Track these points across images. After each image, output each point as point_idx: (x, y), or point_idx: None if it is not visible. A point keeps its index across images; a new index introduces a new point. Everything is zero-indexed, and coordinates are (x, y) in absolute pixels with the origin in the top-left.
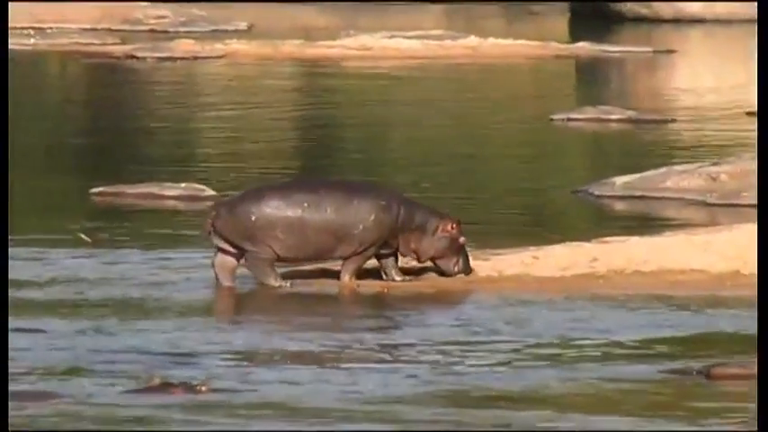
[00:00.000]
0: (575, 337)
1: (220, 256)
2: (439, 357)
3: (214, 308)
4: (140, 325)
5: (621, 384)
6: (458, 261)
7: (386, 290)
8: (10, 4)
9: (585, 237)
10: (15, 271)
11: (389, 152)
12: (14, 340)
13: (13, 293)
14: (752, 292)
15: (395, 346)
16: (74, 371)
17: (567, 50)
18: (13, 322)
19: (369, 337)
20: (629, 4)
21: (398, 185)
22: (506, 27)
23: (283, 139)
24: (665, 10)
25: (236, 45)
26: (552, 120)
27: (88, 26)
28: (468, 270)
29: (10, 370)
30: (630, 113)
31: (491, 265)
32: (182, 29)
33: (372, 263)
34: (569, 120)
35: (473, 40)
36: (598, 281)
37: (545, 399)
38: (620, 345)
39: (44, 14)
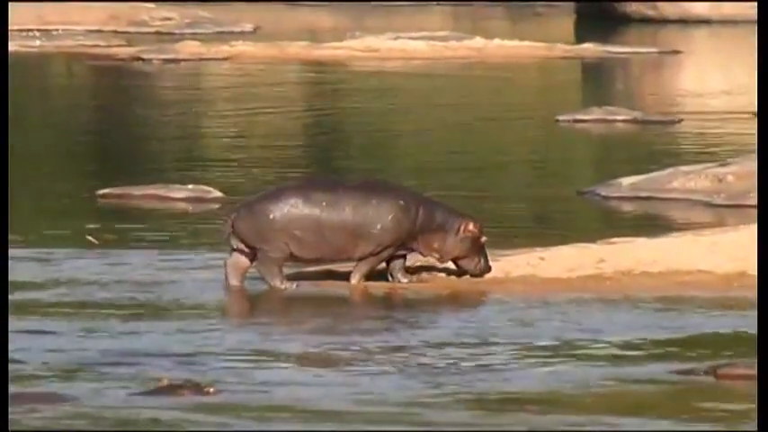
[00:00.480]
0: (581, 338)
1: (235, 256)
2: (449, 359)
3: (222, 309)
4: (147, 326)
5: (629, 385)
6: (479, 261)
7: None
8: (16, 5)
9: (592, 238)
10: (22, 272)
11: (395, 153)
12: (21, 342)
13: (19, 295)
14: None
15: (404, 348)
16: (81, 372)
17: (572, 51)
18: (19, 324)
19: (377, 338)
20: (634, 5)
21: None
22: (512, 28)
23: (289, 140)
24: (671, 11)
25: (241, 47)
26: (558, 121)
27: (94, 28)
28: (488, 270)
29: (17, 372)
30: (636, 114)
31: (498, 266)
32: (187, 31)
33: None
34: (575, 121)
35: (479, 41)
36: (605, 282)
37: (558, 400)
38: (627, 346)
39: (50, 16)
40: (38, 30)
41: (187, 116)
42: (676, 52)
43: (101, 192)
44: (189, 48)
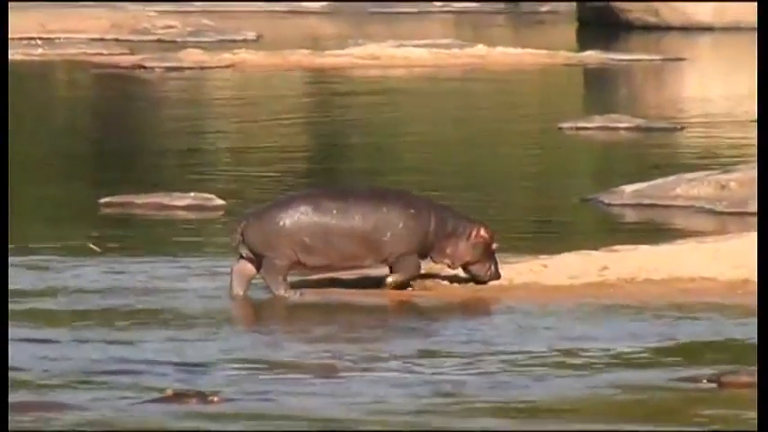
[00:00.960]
0: (585, 345)
1: (242, 263)
2: (455, 367)
3: (226, 317)
4: (151, 335)
5: (632, 392)
6: (490, 267)
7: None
8: (18, 13)
9: (595, 245)
10: (24, 281)
11: (397, 161)
12: (24, 350)
13: (22, 303)
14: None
15: (409, 356)
16: (84, 381)
17: (575, 59)
18: (22, 332)
19: (382, 346)
20: (637, 12)
21: None
22: (514, 35)
23: (292, 148)
24: (674, 18)
25: (244, 55)
26: (561, 128)
27: (96, 36)
28: (498, 276)
29: (20, 380)
30: (639, 122)
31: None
32: (190, 39)
33: (380, 271)
34: (578, 128)
35: (481, 48)
36: (608, 289)
37: (562, 408)
38: (630, 353)
39: (52, 24)
40: (40, 38)
41: (189, 124)
42: (679, 59)
43: (103, 200)
44: (191, 56)
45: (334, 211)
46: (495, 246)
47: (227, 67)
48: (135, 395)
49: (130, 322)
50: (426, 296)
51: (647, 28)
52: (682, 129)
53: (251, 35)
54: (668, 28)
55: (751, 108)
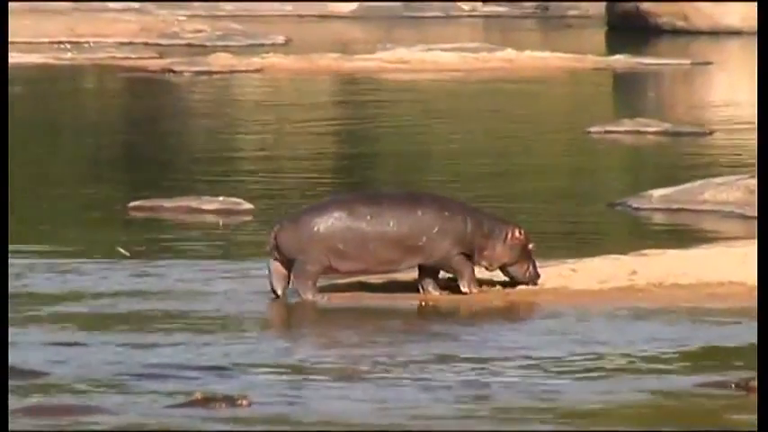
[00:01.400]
0: (613, 350)
1: (276, 265)
2: (485, 372)
3: (255, 320)
4: (180, 338)
5: (660, 398)
6: (528, 267)
7: (423, 303)
8: (48, 17)
9: (624, 249)
10: (53, 284)
11: (427, 165)
12: (54, 354)
13: (51, 307)
14: None
15: (440, 361)
16: (112, 385)
17: (603, 63)
18: (52, 335)
19: (412, 351)
20: (666, 17)
21: None
22: (543, 40)
23: (321, 152)
24: (703, 22)
25: (273, 59)
26: (589, 132)
27: (125, 40)
28: (537, 277)
29: (50, 383)
30: (668, 126)
31: None
32: (219, 43)
33: (408, 275)
34: (607, 132)
35: (510, 52)
36: (637, 294)
37: (590, 413)
38: (658, 358)
39: (81, 28)
40: (69, 42)
41: (218, 128)
42: (708, 63)
43: (132, 204)
44: (220, 60)
45: (369, 217)
46: (531, 246)
47: (256, 71)
48: (163, 399)
49: (158, 325)
50: (454, 300)
51: (676, 32)
52: (710, 133)
53: (280, 39)
54: (697, 32)
55: None
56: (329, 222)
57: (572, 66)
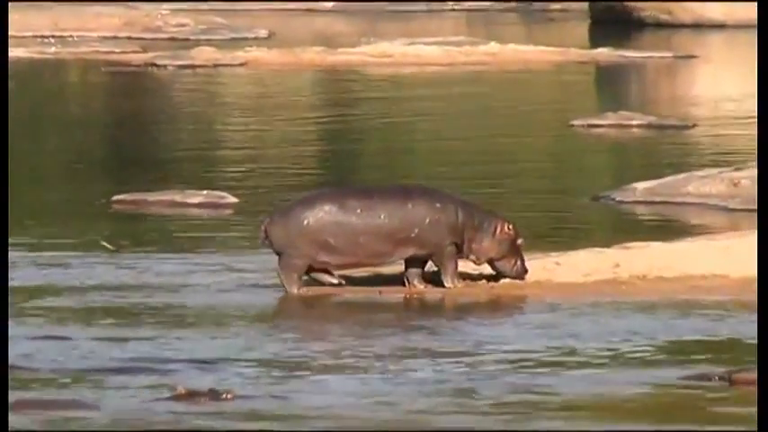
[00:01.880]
0: (596, 342)
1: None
2: (464, 366)
3: (239, 314)
4: (163, 332)
5: (643, 389)
6: (516, 262)
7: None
8: (32, 11)
9: (607, 242)
10: (37, 278)
11: (410, 159)
12: (39, 348)
13: (36, 301)
14: None
15: (425, 354)
16: (96, 379)
17: (587, 56)
18: (37, 330)
19: (397, 344)
20: (649, 10)
21: None
22: (526, 33)
23: (304, 146)
24: (686, 15)
25: (256, 52)
26: (573, 125)
27: (109, 34)
28: (525, 272)
29: (34, 378)
30: (651, 119)
31: None
32: (202, 37)
33: (394, 269)
34: (590, 126)
35: (493, 46)
36: (620, 286)
37: (571, 405)
38: (641, 350)
39: (65, 23)
40: (53, 36)
41: (202, 122)
42: (691, 57)
43: (115, 197)
44: (204, 54)
45: (359, 210)
46: (520, 241)
47: (240, 65)
48: (146, 393)
49: (142, 319)
50: (439, 294)
51: (660, 25)
52: (693, 126)
53: (263, 33)
54: (680, 25)
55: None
56: (319, 216)
57: (555, 59)
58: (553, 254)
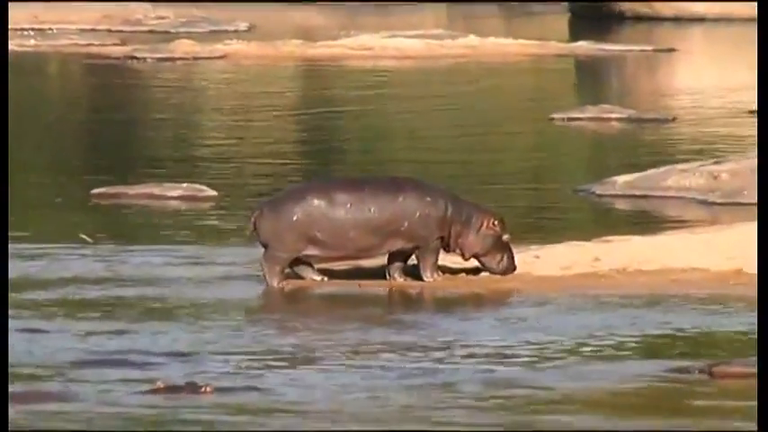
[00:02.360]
0: (576, 336)
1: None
2: (441, 360)
3: (219, 307)
4: (143, 324)
5: (624, 383)
6: (502, 258)
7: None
8: (11, 4)
9: (587, 236)
10: (15, 271)
11: (390, 151)
12: (18, 341)
13: (15, 294)
14: (754, 290)
15: (406, 348)
16: (75, 372)
17: (566, 49)
18: (15, 323)
19: (377, 338)
20: (629, 3)
21: None
22: (506, 26)
23: (284, 139)
24: (666, 8)
25: (236, 45)
26: (553, 119)
27: (88, 27)
28: (512, 268)
29: (14, 371)
30: (631, 112)
31: None
32: (182, 29)
33: (374, 263)
34: (570, 119)
35: (473, 39)
36: (600, 280)
37: (551, 399)
38: (621, 344)
39: (45, 15)
40: (32, 29)
41: (181, 115)
42: (671, 50)
43: (95, 190)
44: (183, 46)
45: (349, 205)
46: (506, 237)
47: (220, 57)
48: (125, 386)
49: (120, 311)
50: (419, 287)
51: (640, 19)
52: (673, 120)
53: (243, 26)
54: (660, 19)
55: (743, 99)
56: (309, 211)
57: (535, 52)
58: (533, 247)
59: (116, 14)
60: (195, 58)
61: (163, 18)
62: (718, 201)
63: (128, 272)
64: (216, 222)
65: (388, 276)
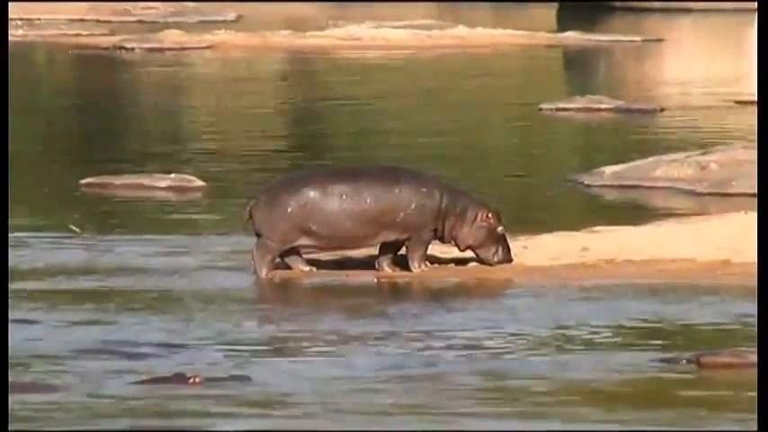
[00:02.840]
0: (564, 326)
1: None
2: (427, 350)
3: (206, 297)
4: (131, 315)
5: (611, 374)
6: (497, 251)
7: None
8: None
9: (575, 226)
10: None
11: (378, 141)
12: (10, 332)
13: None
14: (742, 280)
15: (396, 337)
16: (63, 362)
17: (555, 40)
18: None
19: (359, 329)
20: None
21: None
22: (494, 17)
23: (273, 128)
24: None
25: (224, 36)
26: (541, 109)
27: (76, 17)
28: (508, 260)
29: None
30: (619, 103)
31: None
32: (170, 19)
33: (362, 253)
34: (558, 109)
35: (461, 29)
36: (588, 270)
37: (537, 390)
38: (609, 334)
39: (33, 5)
40: (20, 19)
41: (170, 105)
42: (659, 41)
43: (83, 181)
44: (172, 37)
45: (345, 196)
46: (500, 229)
47: (208, 48)
48: (113, 377)
49: (109, 302)
50: (407, 278)
51: (628, 9)
52: (662, 110)
53: (231, 16)
54: (649, 9)
55: (730, 89)
56: (304, 203)
57: (523, 43)
58: (521, 237)
59: (104, 4)
60: (183, 49)
61: (151, 8)
62: (706, 191)
63: (116, 262)
64: (204, 213)
65: (377, 266)
